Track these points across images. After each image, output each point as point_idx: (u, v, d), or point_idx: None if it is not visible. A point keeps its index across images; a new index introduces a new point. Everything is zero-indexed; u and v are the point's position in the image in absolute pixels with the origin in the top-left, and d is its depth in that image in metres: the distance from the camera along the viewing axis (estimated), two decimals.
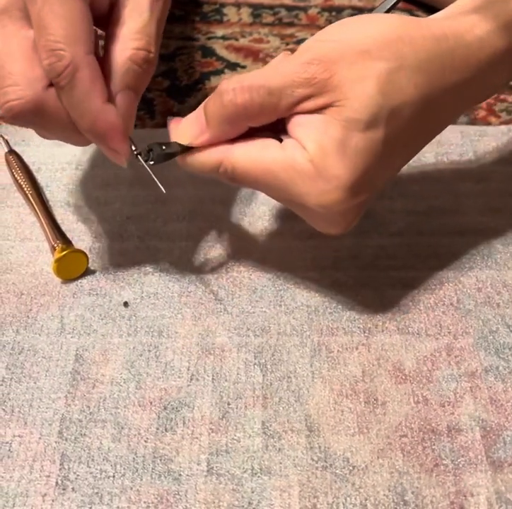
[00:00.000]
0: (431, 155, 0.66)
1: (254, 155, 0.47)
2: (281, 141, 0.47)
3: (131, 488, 0.44)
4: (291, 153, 0.45)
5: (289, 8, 0.87)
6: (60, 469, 0.45)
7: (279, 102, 0.45)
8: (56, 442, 0.46)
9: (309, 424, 0.47)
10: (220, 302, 0.54)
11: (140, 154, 0.48)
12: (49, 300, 0.54)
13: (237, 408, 0.48)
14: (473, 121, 0.71)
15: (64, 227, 0.58)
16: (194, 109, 0.70)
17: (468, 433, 0.46)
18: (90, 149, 0.66)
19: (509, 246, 0.58)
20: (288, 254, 0.57)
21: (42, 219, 0.58)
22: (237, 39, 0.82)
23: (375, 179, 0.47)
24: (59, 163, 0.65)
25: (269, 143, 0.47)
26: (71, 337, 0.52)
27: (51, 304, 0.54)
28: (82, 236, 0.58)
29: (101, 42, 0.49)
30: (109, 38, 0.48)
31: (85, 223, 0.60)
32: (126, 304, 0.54)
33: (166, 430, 0.47)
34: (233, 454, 0.45)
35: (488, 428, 0.47)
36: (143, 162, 0.48)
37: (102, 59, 0.48)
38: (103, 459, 0.45)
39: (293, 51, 0.73)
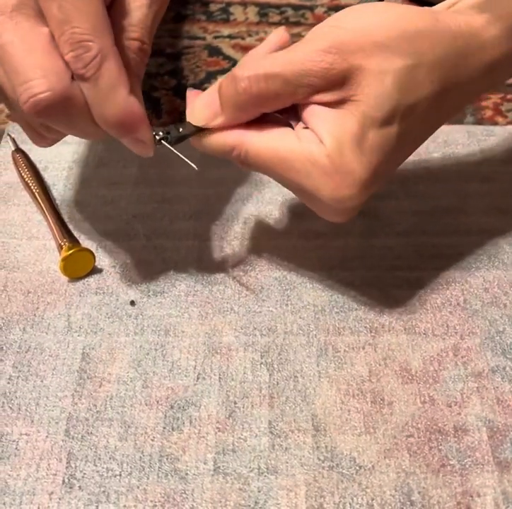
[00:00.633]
0: (437, 155, 0.66)
1: (269, 143, 0.46)
2: (291, 125, 0.47)
3: (138, 487, 0.44)
4: (308, 145, 0.45)
5: (296, 8, 0.87)
6: (67, 468, 0.45)
7: (295, 91, 0.45)
8: (62, 440, 0.46)
9: (315, 424, 0.47)
10: (227, 302, 0.54)
11: (163, 138, 0.48)
12: (55, 299, 0.54)
13: (243, 407, 0.48)
14: (480, 121, 0.71)
15: (70, 226, 0.58)
16: None
17: (475, 433, 0.46)
18: (97, 148, 0.66)
19: None
20: (295, 253, 0.57)
21: (48, 217, 0.58)
22: (243, 39, 0.82)
23: (386, 173, 0.47)
24: (66, 162, 0.65)
25: (285, 132, 0.47)
26: (78, 336, 0.52)
27: (58, 302, 0.54)
28: (89, 235, 0.58)
29: None
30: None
31: (91, 221, 0.60)
32: (132, 303, 0.54)
33: (173, 429, 0.47)
34: (239, 453, 0.45)
35: (495, 429, 0.47)
36: (169, 146, 0.48)
37: None
38: (110, 458, 0.45)
39: None
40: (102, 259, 0.57)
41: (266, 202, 0.62)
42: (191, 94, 0.49)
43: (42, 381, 0.49)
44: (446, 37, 0.46)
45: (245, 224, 0.60)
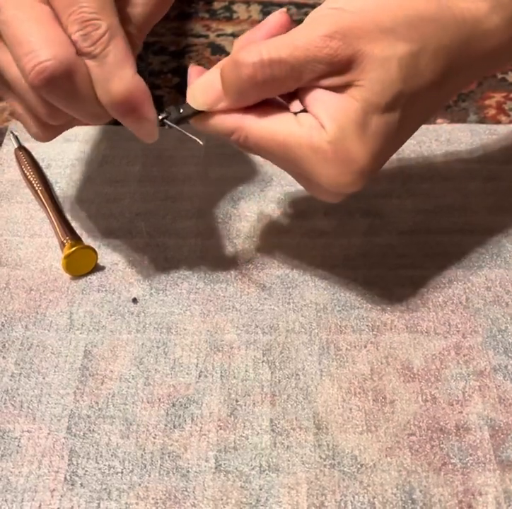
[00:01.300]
0: (440, 153, 0.66)
1: (269, 127, 0.46)
2: (284, 104, 0.46)
3: (140, 485, 0.44)
4: (309, 130, 0.45)
5: (299, 6, 0.86)
6: (69, 465, 0.45)
7: (300, 77, 0.44)
8: (64, 437, 0.46)
9: (317, 422, 0.47)
10: (229, 300, 0.54)
11: (166, 118, 0.47)
12: (58, 296, 0.54)
13: (245, 405, 0.48)
14: (483, 120, 0.71)
15: (73, 224, 0.58)
16: None
17: (477, 432, 0.46)
18: (100, 146, 0.66)
19: None
20: (298, 251, 0.57)
21: (51, 215, 0.58)
22: None
23: (385, 159, 0.47)
24: (69, 159, 0.65)
25: (285, 116, 0.46)
26: (80, 333, 0.52)
27: (60, 300, 0.54)
28: (91, 232, 0.59)
29: None
30: None
31: (94, 219, 0.60)
32: (135, 300, 0.54)
33: (174, 426, 0.47)
34: (241, 451, 0.46)
35: (496, 427, 0.47)
36: (172, 124, 0.48)
37: None
38: (112, 455, 0.45)
39: None
40: (105, 257, 0.57)
41: (268, 200, 0.62)
42: (193, 71, 0.49)
43: (44, 378, 0.49)
44: (450, 25, 0.46)
45: (248, 222, 0.60)
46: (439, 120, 0.70)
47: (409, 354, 0.50)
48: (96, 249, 0.56)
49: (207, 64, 0.77)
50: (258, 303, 0.54)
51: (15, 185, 0.63)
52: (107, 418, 0.47)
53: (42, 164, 0.64)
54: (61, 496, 0.43)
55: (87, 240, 0.57)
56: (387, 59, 0.44)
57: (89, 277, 0.55)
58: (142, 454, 0.45)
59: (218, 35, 0.82)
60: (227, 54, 0.78)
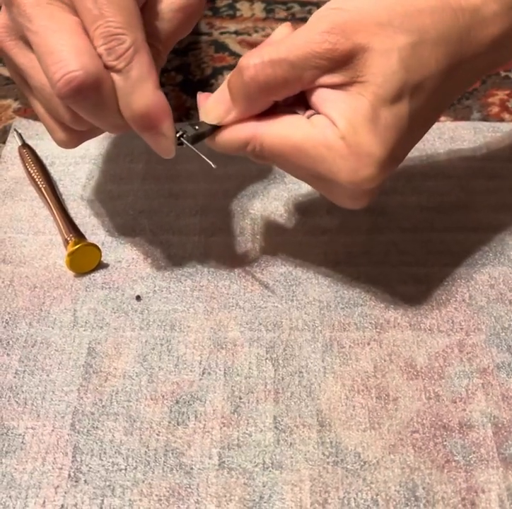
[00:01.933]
0: (443, 151, 0.66)
1: (283, 132, 0.46)
2: (296, 113, 0.46)
3: (143, 481, 0.44)
4: (322, 130, 0.45)
5: (302, 4, 0.86)
6: (72, 462, 0.45)
7: (302, 74, 0.45)
8: (68, 434, 0.46)
9: (320, 419, 0.47)
10: (233, 297, 0.54)
11: (182, 136, 0.48)
12: (62, 294, 0.54)
13: (248, 402, 0.48)
14: (486, 118, 0.71)
15: (77, 221, 0.58)
16: None
17: (480, 429, 0.46)
18: (104, 143, 0.66)
19: None
20: (301, 249, 0.57)
21: (55, 213, 0.58)
22: (250, 34, 0.82)
23: (401, 153, 0.47)
24: (73, 157, 0.65)
25: (297, 119, 0.46)
26: (84, 330, 0.52)
27: (64, 297, 0.54)
28: (95, 230, 0.59)
29: None
30: None
31: (98, 216, 0.60)
32: (138, 298, 0.54)
33: (178, 423, 0.47)
34: (244, 448, 0.46)
35: (500, 425, 0.47)
36: (188, 143, 0.48)
37: None
38: (115, 452, 0.45)
39: None
40: (109, 254, 0.57)
41: (272, 198, 0.62)
42: (201, 97, 0.49)
43: (48, 375, 0.49)
44: (447, 14, 0.46)
45: (251, 220, 0.60)
46: (442, 118, 0.70)
47: (412, 352, 0.50)
48: (100, 246, 0.56)
49: (210, 62, 0.77)
50: (261, 301, 0.54)
51: (19, 183, 0.63)
52: (110, 415, 0.47)
53: (46, 162, 0.64)
54: (65, 493, 0.44)
55: (90, 238, 0.57)
56: (387, 51, 0.44)
57: (93, 274, 0.55)
58: (146, 451, 0.45)
59: (222, 33, 0.82)
60: (230, 51, 0.78)
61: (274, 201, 0.62)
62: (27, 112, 0.71)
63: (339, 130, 0.44)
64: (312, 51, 0.44)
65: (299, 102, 0.47)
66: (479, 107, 0.72)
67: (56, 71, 0.45)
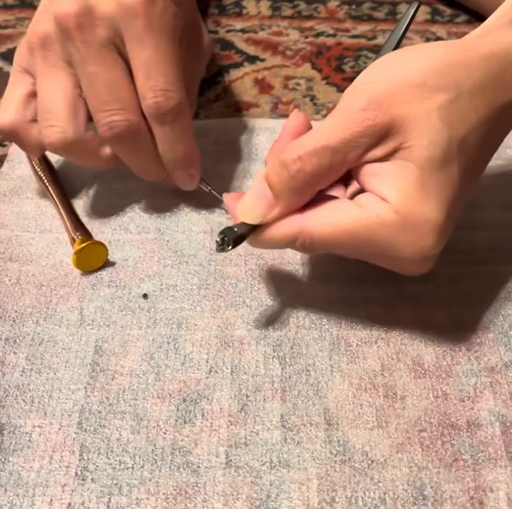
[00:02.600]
0: None
1: (331, 220, 0.45)
2: (335, 197, 0.47)
3: (150, 480, 0.44)
4: (372, 209, 0.44)
5: (308, 1, 0.86)
6: (79, 460, 0.45)
7: (346, 157, 0.44)
8: (75, 433, 0.46)
9: (328, 418, 0.47)
10: (239, 295, 0.54)
11: (224, 241, 0.46)
12: (68, 292, 0.54)
13: (255, 400, 0.48)
14: None
15: (83, 219, 0.58)
16: (214, 102, 0.70)
17: (488, 428, 0.46)
18: None
19: None
20: None
21: (61, 211, 0.58)
22: (256, 32, 0.82)
23: (458, 210, 0.46)
24: None
25: (342, 203, 0.46)
26: (91, 329, 0.52)
27: (70, 295, 0.54)
28: (101, 228, 0.59)
29: None
30: None
31: (104, 215, 0.60)
32: (145, 296, 0.54)
33: (185, 422, 0.47)
34: (251, 446, 0.46)
35: (508, 424, 0.46)
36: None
37: None
38: (122, 451, 0.45)
39: (312, 44, 0.73)
40: (115, 253, 0.57)
41: None
42: (229, 197, 0.50)
43: (55, 374, 0.49)
44: (479, 62, 0.45)
45: None
46: None
47: (419, 350, 0.50)
48: (106, 244, 0.56)
49: (216, 60, 0.77)
50: (268, 299, 0.54)
51: (26, 181, 0.63)
52: (117, 414, 0.47)
53: (53, 159, 0.64)
54: (72, 491, 0.43)
55: (97, 236, 0.57)
56: (427, 113, 0.43)
57: (99, 273, 0.55)
58: (153, 450, 0.45)
59: (228, 31, 0.82)
60: (236, 49, 0.78)
61: None
62: None
63: (390, 204, 0.43)
64: (353, 133, 0.44)
65: (337, 182, 0.47)
66: None
67: (102, 118, 0.53)
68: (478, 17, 0.82)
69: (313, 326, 0.52)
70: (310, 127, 0.50)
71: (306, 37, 0.80)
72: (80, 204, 0.61)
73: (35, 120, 0.56)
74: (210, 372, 0.49)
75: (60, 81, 0.54)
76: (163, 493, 0.43)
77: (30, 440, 0.46)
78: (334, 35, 0.81)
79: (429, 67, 0.45)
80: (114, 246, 0.57)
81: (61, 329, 0.52)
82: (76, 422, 0.47)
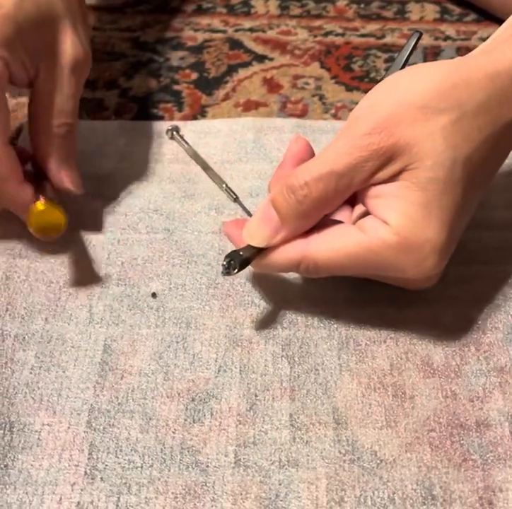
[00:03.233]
0: None
1: (335, 245, 0.46)
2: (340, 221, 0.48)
3: (159, 479, 0.44)
4: (374, 232, 0.45)
5: (317, 0, 0.86)
6: (89, 459, 0.45)
7: (352, 182, 0.45)
8: (84, 431, 0.46)
9: (336, 417, 0.47)
10: (248, 294, 0.54)
11: (230, 262, 0.47)
12: (77, 289, 0.54)
13: (264, 400, 0.48)
14: None
15: (91, 218, 0.59)
16: (222, 101, 0.70)
17: (497, 428, 0.46)
18: (118, 142, 0.66)
19: None
20: None
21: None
22: (264, 32, 0.81)
23: (461, 228, 0.47)
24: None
25: (346, 228, 0.47)
26: (100, 327, 0.52)
27: (79, 293, 0.54)
28: (111, 227, 0.59)
29: None
30: (35, 115, 0.56)
31: (114, 214, 0.60)
32: (154, 295, 0.54)
33: (194, 421, 0.47)
34: (260, 446, 0.46)
35: None
36: (231, 273, 0.48)
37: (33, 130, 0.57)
38: (131, 450, 0.45)
39: (321, 43, 0.73)
40: (125, 252, 0.57)
41: None
42: (229, 224, 0.51)
43: (64, 372, 0.49)
44: (484, 82, 0.45)
45: None
46: None
47: (428, 350, 0.50)
48: (116, 244, 0.56)
49: (225, 59, 0.77)
50: (277, 298, 0.54)
51: None
52: (126, 413, 0.47)
53: None
54: (82, 490, 0.44)
55: (107, 235, 0.57)
56: (431, 134, 0.44)
57: (108, 271, 0.55)
58: (162, 449, 0.45)
59: (236, 30, 0.82)
60: (245, 49, 0.78)
61: None
62: None
63: (391, 226, 0.44)
64: (358, 157, 0.44)
65: (343, 203, 0.47)
66: None
67: None
68: (487, 16, 0.82)
69: (322, 325, 0.52)
70: (312, 152, 0.51)
71: (315, 36, 0.80)
72: (89, 205, 0.60)
73: None
74: (219, 371, 0.49)
75: None
76: (172, 493, 0.43)
77: (39, 438, 0.46)
78: (342, 34, 0.81)
79: (432, 88, 0.45)
80: (123, 245, 0.57)
81: (70, 326, 0.52)
82: (85, 421, 0.47)
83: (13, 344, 0.51)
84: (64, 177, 0.56)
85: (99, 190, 0.62)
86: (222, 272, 0.48)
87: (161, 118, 0.70)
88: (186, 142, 0.65)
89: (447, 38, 0.79)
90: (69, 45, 0.56)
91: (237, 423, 0.47)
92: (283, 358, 0.50)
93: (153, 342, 0.51)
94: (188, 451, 0.45)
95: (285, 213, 0.46)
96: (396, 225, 0.44)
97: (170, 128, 0.66)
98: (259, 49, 0.79)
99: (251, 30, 0.82)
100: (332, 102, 0.71)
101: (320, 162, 0.45)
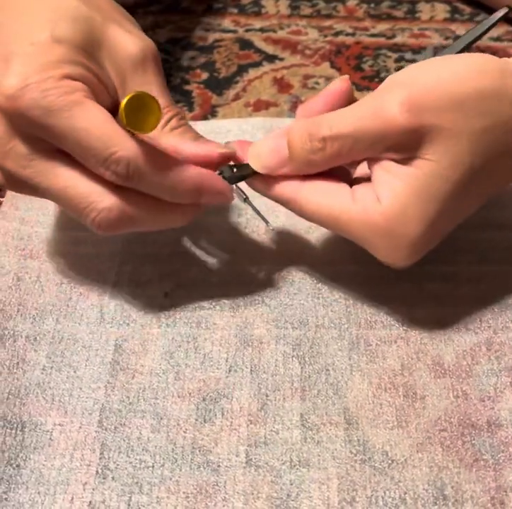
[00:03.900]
0: None
1: (322, 201, 0.47)
2: (348, 174, 0.48)
3: (171, 479, 0.44)
4: (362, 205, 0.45)
5: (327, 0, 0.86)
6: (100, 458, 0.45)
7: (367, 149, 0.44)
8: (96, 431, 0.46)
9: (347, 417, 0.47)
10: (259, 295, 0.54)
11: (220, 175, 0.48)
12: (88, 289, 0.54)
13: (275, 400, 0.48)
14: None
15: None
16: (232, 101, 0.70)
17: (508, 428, 0.46)
18: None
19: None
20: (326, 246, 0.57)
21: None
22: (275, 31, 0.81)
23: (443, 233, 0.47)
24: None
25: (340, 190, 0.47)
26: (111, 327, 0.52)
27: (90, 293, 0.54)
28: None
29: None
30: None
31: None
32: (165, 294, 0.54)
33: (205, 421, 0.47)
34: (271, 445, 0.46)
35: None
36: (251, 203, 0.51)
37: None
38: (143, 449, 0.45)
39: (331, 43, 0.73)
40: (136, 251, 0.57)
41: None
42: (239, 143, 0.50)
43: (75, 372, 0.49)
44: (509, 97, 0.44)
45: (277, 217, 0.59)
46: None
47: (439, 350, 0.50)
48: (127, 243, 0.56)
49: (235, 59, 0.77)
50: (287, 298, 0.54)
51: None
52: (138, 413, 0.47)
53: None
54: (93, 489, 0.44)
55: (118, 235, 0.57)
56: (459, 134, 0.42)
57: (120, 271, 0.55)
58: (173, 449, 0.45)
59: (247, 30, 0.82)
60: (255, 49, 0.78)
61: None
62: None
63: (382, 206, 0.44)
64: (379, 129, 0.43)
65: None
66: None
67: (86, 215, 0.45)
68: None
69: (332, 325, 0.52)
70: (351, 97, 0.49)
71: (325, 36, 0.80)
72: None
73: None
74: (229, 371, 0.49)
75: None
76: (183, 492, 0.43)
77: (50, 438, 0.46)
78: (353, 34, 0.81)
79: (472, 86, 0.43)
80: (134, 244, 0.57)
81: (81, 326, 0.52)
82: (97, 420, 0.47)
83: (24, 345, 0.51)
84: (207, 147, 0.48)
85: None
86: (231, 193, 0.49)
87: None
88: None
89: (457, 38, 0.79)
90: (123, 44, 0.48)
91: (248, 423, 0.47)
92: (293, 358, 0.50)
93: (164, 342, 0.51)
94: (199, 451, 0.45)
95: (296, 155, 0.47)
96: (386, 207, 0.44)
97: None
98: (270, 49, 0.79)
99: (261, 30, 0.82)
100: None
101: (343, 120, 0.45)
